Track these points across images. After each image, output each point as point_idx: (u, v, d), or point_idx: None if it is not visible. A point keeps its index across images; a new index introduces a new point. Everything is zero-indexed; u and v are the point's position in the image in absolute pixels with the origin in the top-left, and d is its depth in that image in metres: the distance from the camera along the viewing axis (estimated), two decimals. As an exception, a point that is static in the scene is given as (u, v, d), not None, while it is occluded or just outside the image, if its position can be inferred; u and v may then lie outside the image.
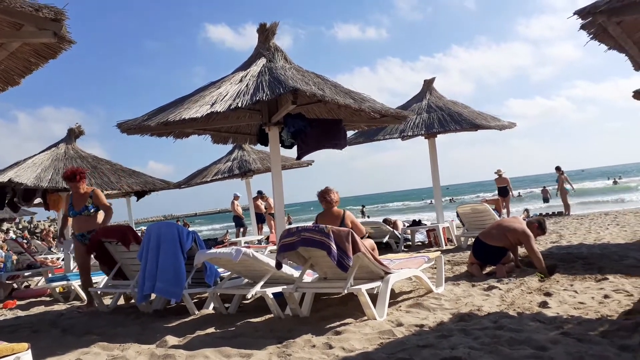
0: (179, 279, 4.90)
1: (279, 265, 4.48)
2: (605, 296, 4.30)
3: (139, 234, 5.64)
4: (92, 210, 5.75)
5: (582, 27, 3.34)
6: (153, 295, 5.32)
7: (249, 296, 4.42)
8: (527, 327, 3.49)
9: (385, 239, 9.74)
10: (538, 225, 6.07)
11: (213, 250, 4.91)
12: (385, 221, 10.45)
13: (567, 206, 16.23)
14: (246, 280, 5.12)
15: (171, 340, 3.88)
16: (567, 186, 16.22)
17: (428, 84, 10.39)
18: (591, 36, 3.51)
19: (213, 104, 5.21)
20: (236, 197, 14.98)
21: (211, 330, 4.23)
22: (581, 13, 3.18)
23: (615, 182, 41.01)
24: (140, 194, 11.52)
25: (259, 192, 15.20)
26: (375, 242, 9.43)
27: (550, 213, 16.81)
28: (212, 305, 5.02)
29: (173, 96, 6.83)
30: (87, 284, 5.91)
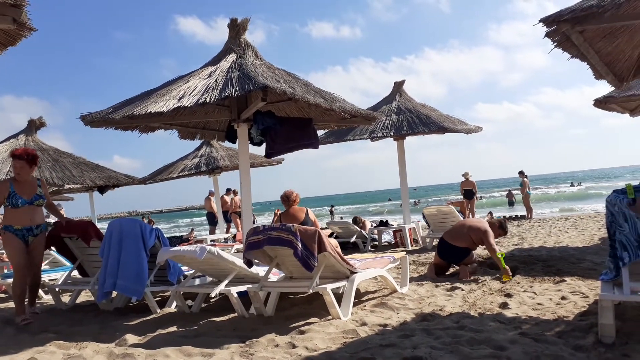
0: (140, 277, 4.78)
1: (249, 264, 4.46)
2: (563, 298, 4.44)
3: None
4: (44, 201, 5.00)
5: (547, 34, 3.43)
6: (114, 293, 5.18)
7: (212, 295, 4.36)
8: (487, 327, 3.56)
9: (353, 239, 9.80)
10: (499, 225, 6.26)
11: (177, 247, 4.82)
12: (355, 220, 10.51)
13: (529, 210, 16.69)
14: (210, 278, 5.05)
15: (131, 338, 3.79)
16: (527, 190, 16.70)
17: (398, 86, 10.49)
18: (555, 44, 3.61)
19: (180, 99, 5.12)
20: (212, 194, 14.76)
21: (173, 329, 4.15)
22: (546, 21, 3.27)
23: (577, 185, 42.46)
24: (103, 188, 11.24)
25: (229, 190, 15.05)
26: (343, 242, 9.60)
27: (514, 216, 17.26)
28: (174, 304, 4.93)
29: (141, 89, 6.69)
30: (22, 290, 4.81)
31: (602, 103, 7.75)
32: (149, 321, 4.52)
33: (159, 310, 4.82)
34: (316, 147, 6.26)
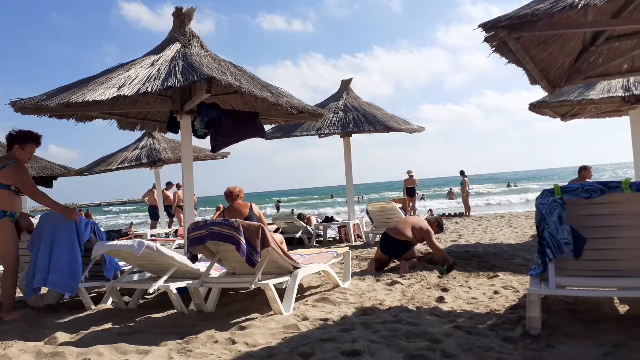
0: (74, 272, 4.57)
1: (193, 259, 4.37)
2: (495, 292, 4.64)
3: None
4: None
5: (486, 39, 3.57)
6: (45, 289, 4.93)
7: (150, 291, 4.24)
8: (423, 321, 3.67)
9: (298, 234, 9.83)
10: (437, 224, 6.68)
11: (114, 242, 4.65)
12: (300, 216, 10.55)
13: (467, 207, 17.36)
14: (149, 274, 4.91)
15: (62, 336, 3.62)
16: (467, 189, 17.39)
17: (345, 85, 10.60)
18: (493, 49, 3.76)
19: (120, 87, 4.92)
20: (154, 187, 14.27)
21: (108, 326, 4.01)
22: (485, 27, 3.40)
23: (513, 186, 44.65)
24: (47, 180, 10.60)
25: (169, 184, 14.66)
26: (288, 237, 9.61)
27: (452, 214, 17.90)
28: (110, 300, 4.76)
29: (82, 75, 6.35)
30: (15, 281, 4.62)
31: (536, 107, 8.17)
32: (83, 318, 4.34)
33: (93, 307, 4.64)
34: (263, 137, 6.21)
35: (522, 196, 32.15)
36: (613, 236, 3.25)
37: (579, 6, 3.09)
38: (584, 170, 8.70)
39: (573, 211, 3.22)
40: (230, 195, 5.98)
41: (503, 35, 3.48)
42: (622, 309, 3.71)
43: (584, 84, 7.19)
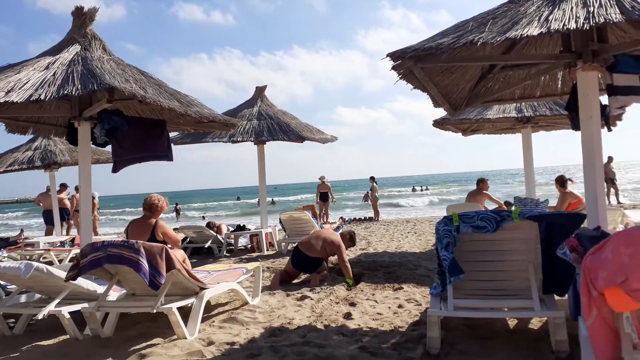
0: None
1: (74, 278, 3.99)
2: (400, 306, 4.81)
3: None
4: None
5: (393, 68, 3.69)
6: None
7: (40, 317, 3.88)
8: (330, 342, 3.71)
9: (208, 244, 9.55)
10: (349, 238, 6.75)
11: (-3, 263, 4.19)
12: (209, 225, 10.25)
13: (376, 213, 17.97)
14: (39, 295, 4.50)
15: None
16: (376, 194, 18.01)
17: (260, 91, 10.51)
18: (400, 76, 3.91)
19: (8, 92, 4.47)
20: (49, 190, 13.03)
21: (-13, 358, 3.62)
22: (393, 56, 3.52)
23: (421, 189, 47.03)
24: None
25: (63, 185, 13.54)
26: (197, 247, 9.28)
27: (363, 218, 18.43)
28: (-8, 327, 4.30)
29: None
30: None
31: (439, 124, 8.63)
32: (-44, 350, 3.88)
33: (-30, 335, 4.17)
34: (170, 160, 5.90)
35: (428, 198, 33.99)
36: (504, 259, 3.50)
37: (478, 43, 3.28)
38: (482, 182, 9.28)
39: (468, 236, 3.41)
40: (150, 208, 5.11)
41: (409, 65, 3.61)
42: (512, 322, 4.00)
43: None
